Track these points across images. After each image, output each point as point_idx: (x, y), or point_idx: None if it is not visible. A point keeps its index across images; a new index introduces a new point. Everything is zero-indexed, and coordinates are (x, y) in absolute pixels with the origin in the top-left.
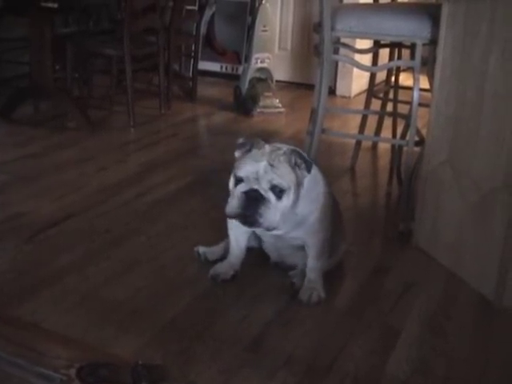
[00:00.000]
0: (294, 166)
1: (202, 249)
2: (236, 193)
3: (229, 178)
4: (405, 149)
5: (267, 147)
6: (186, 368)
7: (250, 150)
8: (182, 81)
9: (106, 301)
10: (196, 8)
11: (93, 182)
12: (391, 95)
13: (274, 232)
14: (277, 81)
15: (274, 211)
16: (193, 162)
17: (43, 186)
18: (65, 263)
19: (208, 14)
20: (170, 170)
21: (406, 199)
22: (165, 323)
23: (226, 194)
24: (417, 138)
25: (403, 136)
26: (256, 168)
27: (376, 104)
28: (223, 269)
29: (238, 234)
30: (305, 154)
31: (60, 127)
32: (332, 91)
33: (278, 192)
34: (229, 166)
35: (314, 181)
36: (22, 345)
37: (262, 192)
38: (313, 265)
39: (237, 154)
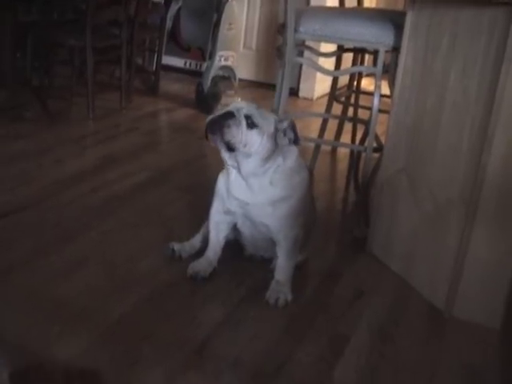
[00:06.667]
0: (280, 130)
1: (176, 245)
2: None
3: (186, 177)
4: (363, 155)
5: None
6: (131, 370)
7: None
8: (144, 75)
9: (52, 298)
10: (162, 1)
11: (47, 175)
12: (353, 100)
13: (247, 200)
14: (240, 79)
15: (242, 132)
16: (151, 158)
17: None
18: (12, 257)
19: (174, 8)
20: (127, 165)
21: (361, 205)
22: (112, 323)
23: (181, 192)
24: (375, 145)
25: (362, 142)
26: (240, 105)
27: (338, 108)
28: (202, 266)
29: (219, 228)
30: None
31: (17, 117)
32: (295, 92)
33: (251, 123)
34: (186, 163)
35: (299, 165)
36: None
37: (236, 113)
38: (283, 264)
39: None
